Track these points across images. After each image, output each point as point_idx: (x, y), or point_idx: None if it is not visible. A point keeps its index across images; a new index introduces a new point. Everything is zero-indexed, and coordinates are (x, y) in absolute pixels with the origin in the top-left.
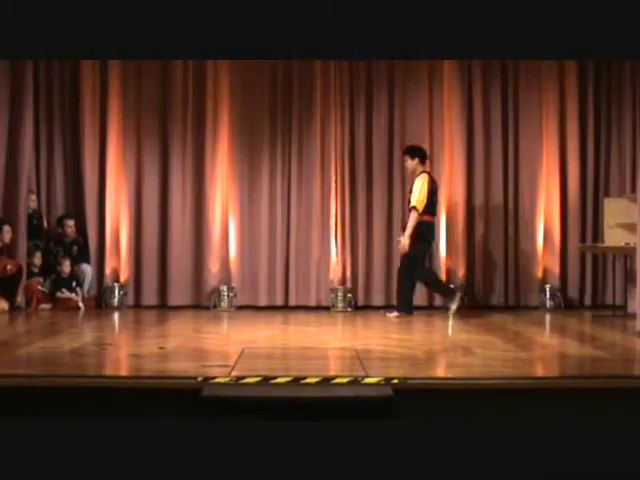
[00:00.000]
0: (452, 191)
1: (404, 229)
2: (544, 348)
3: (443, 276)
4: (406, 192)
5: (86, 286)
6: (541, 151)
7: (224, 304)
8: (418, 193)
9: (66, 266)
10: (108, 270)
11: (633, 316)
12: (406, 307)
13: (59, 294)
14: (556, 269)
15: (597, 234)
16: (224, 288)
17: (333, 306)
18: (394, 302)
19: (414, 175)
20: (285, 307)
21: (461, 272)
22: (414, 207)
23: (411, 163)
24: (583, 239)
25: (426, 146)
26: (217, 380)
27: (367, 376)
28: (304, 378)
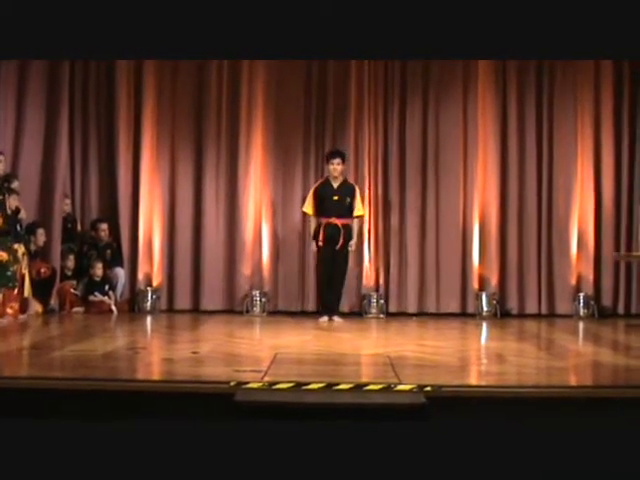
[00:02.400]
0: (485, 197)
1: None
2: (578, 357)
3: (475, 284)
4: (440, 197)
5: (119, 290)
6: (576, 157)
7: (257, 309)
8: (362, 202)
9: (98, 269)
10: (141, 274)
11: None
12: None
13: (92, 297)
14: (590, 277)
15: (631, 242)
16: (257, 293)
17: (365, 312)
18: (427, 309)
19: (339, 177)
20: (317, 312)
21: (494, 279)
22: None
23: (343, 168)
24: (617, 247)
25: (460, 151)
26: (250, 385)
27: (400, 383)
28: (337, 384)
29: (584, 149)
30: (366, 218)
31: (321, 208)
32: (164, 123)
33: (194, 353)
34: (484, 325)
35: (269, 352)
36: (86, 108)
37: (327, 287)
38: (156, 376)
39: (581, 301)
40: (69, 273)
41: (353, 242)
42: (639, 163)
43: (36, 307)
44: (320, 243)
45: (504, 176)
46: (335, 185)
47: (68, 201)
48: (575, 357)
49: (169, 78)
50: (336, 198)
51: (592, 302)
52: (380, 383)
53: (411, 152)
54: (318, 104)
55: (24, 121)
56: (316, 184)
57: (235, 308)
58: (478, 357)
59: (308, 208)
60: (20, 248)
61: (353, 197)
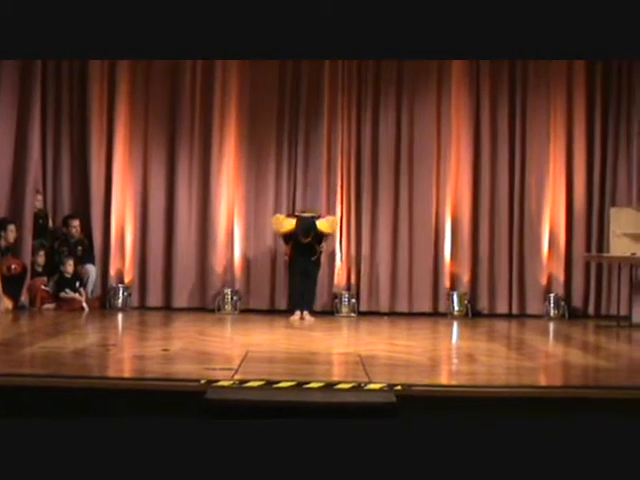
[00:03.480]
0: (458, 197)
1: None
2: (548, 357)
3: (447, 282)
4: (413, 196)
5: (90, 287)
6: (548, 158)
7: (228, 307)
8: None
9: (69, 266)
10: (113, 271)
11: (638, 326)
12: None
13: (62, 294)
14: (561, 277)
15: (602, 243)
16: (228, 291)
17: (337, 311)
18: (399, 308)
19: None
20: (288, 311)
21: (466, 279)
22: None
23: None
24: (588, 248)
25: (433, 151)
26: (220, 383)
27: (370, 382)
28: (307, 383)
29: (556, 150)
30: (338, 217)
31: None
32: (137, 120)
33: (165, 351)
34: (455, 325)
35: (240, 350)
36: (59, 104)
37: (298, 285)
38: (127, 373)
39: (552, 301)
40: (40, 269)
41: (323, 245)
42: (611, 164)
43: (6, 303)
44: (287, 257)
45: (476, 177)
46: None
47: (40, 197)
48: (545, 357)
49: (142, 76)
50: (305, 242)
51: (562, 302)
52: (351, 382)
53: (384, 152)
54: (292, 104)
55: None
56: (287, 229)
57: (207, 306)
58: (449, 357)
59: (278, 230)
60: None
61: (321, 237)
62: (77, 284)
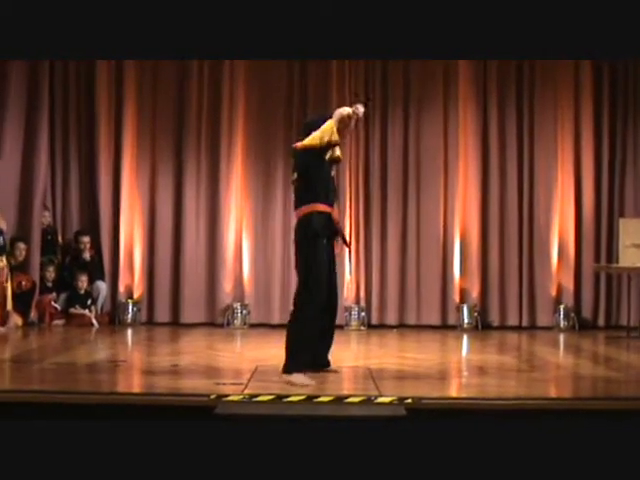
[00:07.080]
0: (466, 209)
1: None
2: (558, 369)
3: (456, 296)
4: (421, 208)
5: (100, 303)
6: (556, 169)
7: (237, 321)
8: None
9: (82, 282)
10: (122, 287)
11: None
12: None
13: (72, 310)
14: (570, 289)
15: (611, 254)
16: (237, 305)
17: (347, 324)
18: (408, 321)
19: None
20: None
21: (475, 292)
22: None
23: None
24: (597, 259)
25: (441, 164)
26: (230, 398)
27: (380, 395)
28: (317, 397)
29: (564, 161)
30: (346, 230)
31: None
32: (145, 136)
33: (174, 366)
34: (465, 337)
35: (250, 364)
36: (66, 118)
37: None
38: (136, 389)
39: (561, 313)
40: (49, 284)
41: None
42: (619, 174)
43: (16, 320)
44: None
45: (484, 189)
46: None
47: (47, 213)
48: (555, 369)
49: (149, 88)
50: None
51: (572, 314)
52: (360, 395)
53: (392, 165)
54: (299, 109)
55: (3, 131)
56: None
57: (216, 321)
58: (459, 369)
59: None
60: (2, 261)
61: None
62: (89, 301)
